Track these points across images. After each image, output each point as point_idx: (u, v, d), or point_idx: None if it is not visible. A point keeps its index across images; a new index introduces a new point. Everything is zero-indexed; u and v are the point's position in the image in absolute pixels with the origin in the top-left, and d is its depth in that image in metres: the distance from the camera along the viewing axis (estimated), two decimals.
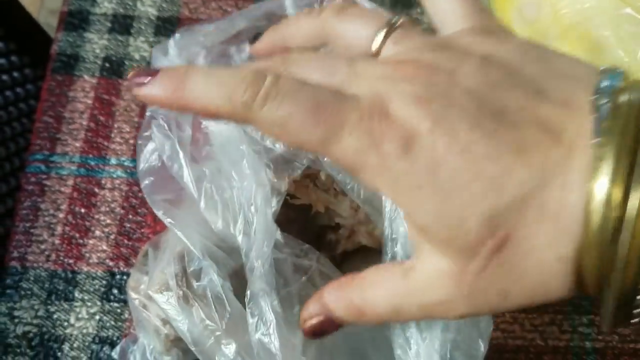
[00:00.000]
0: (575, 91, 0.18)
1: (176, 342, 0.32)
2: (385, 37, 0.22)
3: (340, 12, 0.23)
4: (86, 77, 0.50)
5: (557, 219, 0.17)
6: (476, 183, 0.18)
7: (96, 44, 0.51)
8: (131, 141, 0.47)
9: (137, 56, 0.51)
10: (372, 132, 0.18)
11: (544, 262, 0.18)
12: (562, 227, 0.17)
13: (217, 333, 0.28)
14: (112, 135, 0.47)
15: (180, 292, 0.29)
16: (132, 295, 0.33)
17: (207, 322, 0.28)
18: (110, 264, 0.42)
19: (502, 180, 0.17)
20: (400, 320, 0.23)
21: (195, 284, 0.29)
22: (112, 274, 0.42)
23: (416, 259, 0.21)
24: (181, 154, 0.28)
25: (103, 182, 0.45)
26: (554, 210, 0.17)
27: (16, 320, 0.41)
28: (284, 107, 0.19)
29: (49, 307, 0.41)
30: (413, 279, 0.20)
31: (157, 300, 0.30)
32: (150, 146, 0.30)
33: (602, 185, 0.16)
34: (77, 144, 0.47)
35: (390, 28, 0.22)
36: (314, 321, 0.23)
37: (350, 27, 0.23)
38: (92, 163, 0.46)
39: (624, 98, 0.17)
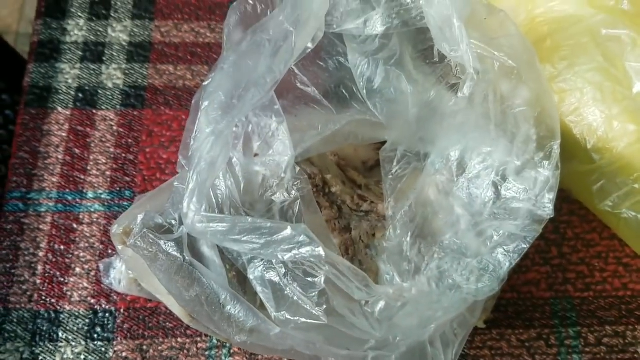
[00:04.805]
0: None
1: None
2: None
3: None
4: (60, 109, 0.49)
5: None
6: None
7: (68, 74, 0.51)
8: (107, 173, 0.46)
9: (110, 84, 0.50)
10: None
11: None
12: None
13: None
14: (89, 167, 0.47)
15: None
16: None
17: None
18: (92, 301, 0.42)
19: None
20: None
21: None
22: (95, 312, 0.42)
23: None
24: None
25: (81, 217, 0.45)
26: None
27: None
28: None
29: (34, 348, 0.41)
30: None
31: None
32: None
33: None
34: (54, 179, 0.46)
35: None
36: None
37: None
38: (70, 198, 0.46)
39: None
